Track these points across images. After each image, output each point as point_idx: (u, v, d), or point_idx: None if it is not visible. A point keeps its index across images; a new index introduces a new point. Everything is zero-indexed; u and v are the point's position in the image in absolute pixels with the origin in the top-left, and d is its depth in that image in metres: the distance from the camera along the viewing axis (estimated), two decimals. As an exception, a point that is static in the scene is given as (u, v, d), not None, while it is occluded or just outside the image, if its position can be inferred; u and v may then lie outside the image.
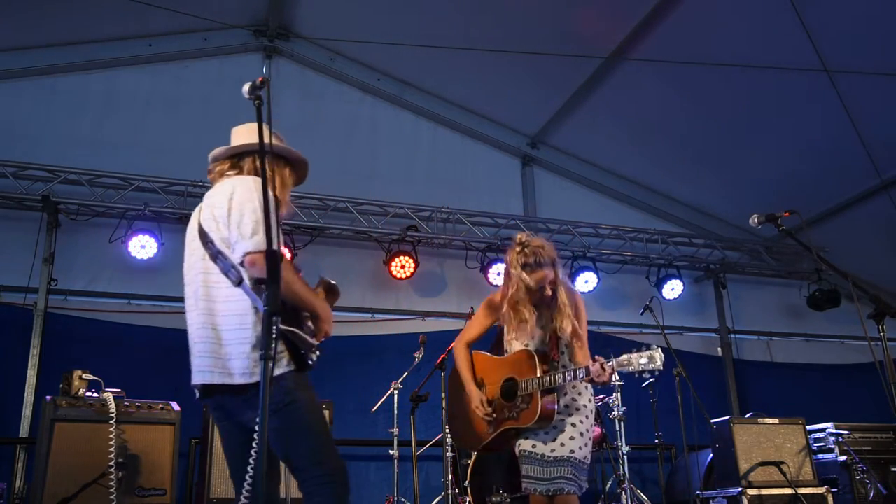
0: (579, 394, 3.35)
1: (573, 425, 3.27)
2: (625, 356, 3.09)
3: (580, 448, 3.24)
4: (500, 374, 3.44)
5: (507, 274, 3.47)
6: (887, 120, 6.60)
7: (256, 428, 2.29)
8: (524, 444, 3.32)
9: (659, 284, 7.74)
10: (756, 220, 3.29)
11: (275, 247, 2.19)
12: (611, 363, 3.07)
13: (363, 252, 7.29)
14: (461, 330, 3.75)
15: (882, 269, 8.42)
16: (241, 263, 2.46)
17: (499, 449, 3.55)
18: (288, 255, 6.51)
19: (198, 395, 2.63)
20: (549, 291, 3.37)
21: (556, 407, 3.24)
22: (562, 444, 3.23)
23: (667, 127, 7.49)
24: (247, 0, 7.17)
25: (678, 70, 6.52)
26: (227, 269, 2.51)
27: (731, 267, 8.33)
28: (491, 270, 7.20)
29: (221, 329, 2.51)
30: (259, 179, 2.61)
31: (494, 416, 3.39)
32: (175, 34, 7.10)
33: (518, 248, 3.40)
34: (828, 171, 7.45)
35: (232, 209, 2.53)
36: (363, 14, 6.94)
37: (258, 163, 2.71)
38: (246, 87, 2.28)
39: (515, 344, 3.45)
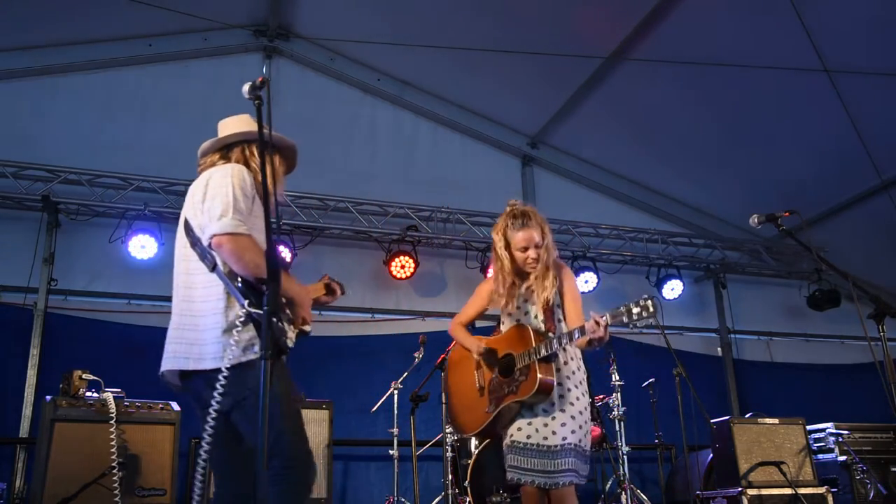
0: (573, 382, 3.29)
1: (563, 410, 3.21)
2: (619, 308, 3.02)
3: (573, 432, 3.17)
4: (497, 350, 3.42)
5: (494, 251, 3.44)
6: (887, 120, 6.60)
7: (213, 406, 2.34)
8: (517, 435, 3.24)
9: (659, 284, 7.74)
10: (756, 220, 3.29)
11: (274, 247, 2.19)
12: (604, 317, 3.01)
13: (363, 252, 7.29)
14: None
15: (882, 269, 8.42)
16: (210, 246, 2.46)
17: (497, 433, 3.47)
18: (287, 255, 6.51)
19: (166, 381, 2.62)
20: (534, 255, 3.33)
21: (554, 378, 3.19)
22: (553, 433, 3.17)
23: (667, 127, 7.49)
24: (247, 0, 7.17)
25: (678, 70, 6.52)
26: (204, 254, 2.52)
27: (731, 267, 8.34)
28: (491, 270, 7.18)
29: (198, 315, 2.53)
30: (241, 167, 2.65)
31: (494, 393, 3.35)
32: (175, 34, 7.10)
33: (507, 210, 3.41)
34: (828, 171, 7.45)
35: (206, 194, 2.55)
36: (363, 14, 6.94)
37: (247, 152, 2.75)
38: (246, 87, 2.29)
39: (508, 321, 3.44)
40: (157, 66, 7.13)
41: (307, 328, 2.68)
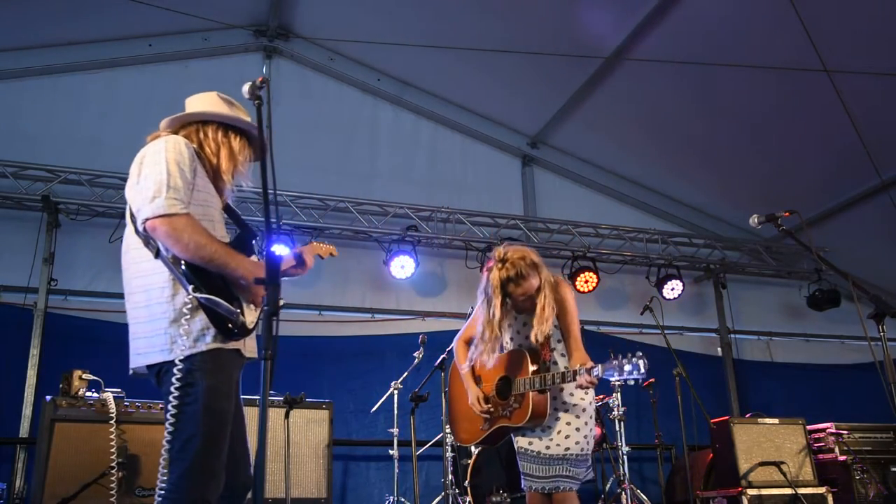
0: (571, 394, 3.34)
1: (568, 423, 3.28)
2: (613, 362, 3.07)
3: (576, 443, 3.25)
4: (496, 371, 3.47)
5: (485, 294, 3.36)
6: (887, 120, 6.60)
7: (170, 402, 2.21)
8: (521, 441, 3.36)
9: (659, 284, 7.74)
10: (756, 220, 3.29)
11: (272, 246, 2.12)
12: (596, 371, 3.05)
13: (363, 252, 7.29)
14: (461, 330, 3.76)
15: (882, 269, 8.42)
16: (146, 231, 2.28)
17: (494, 444, 3.61)
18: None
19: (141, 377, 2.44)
20: (534, 299, 3.31)
21: (547, 406, 3.27)
22: (557, 444, 3.25)
23: (667, 127, 7.49)
24: (247, 0, 7.17)
25: (678, 70, 6.52)
26: (148, 240, 2.34)
27: (731, 267, 8.34)
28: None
29: (144, 306, 2.34)
30: (177, 138, 2.44)
31: (491, 413, 3.42)
32: (175, 34, 7.10)
33: (499, 266, 3.30)
34: (828, 171, 7.45)
35: (140, 174, 2.36)
36: (363, 14, 6.94)
37: (201, 133, 2.55)
38: (246, 87, 2.28)
39: (516, 340, 3.49)
40: (157, 66, 7.13)
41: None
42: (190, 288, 2.26)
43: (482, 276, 3.44)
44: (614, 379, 3.10)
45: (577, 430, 3.28)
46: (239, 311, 2.33)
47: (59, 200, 6.22)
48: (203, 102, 2.63)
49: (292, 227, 6.76)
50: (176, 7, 6.52)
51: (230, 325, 2.30)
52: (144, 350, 2.34)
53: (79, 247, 6.42)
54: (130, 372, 2.41)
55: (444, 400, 4.32)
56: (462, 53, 6.83)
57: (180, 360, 2.24)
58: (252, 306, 2.43)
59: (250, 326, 2.38)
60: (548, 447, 3.26)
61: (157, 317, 2.31)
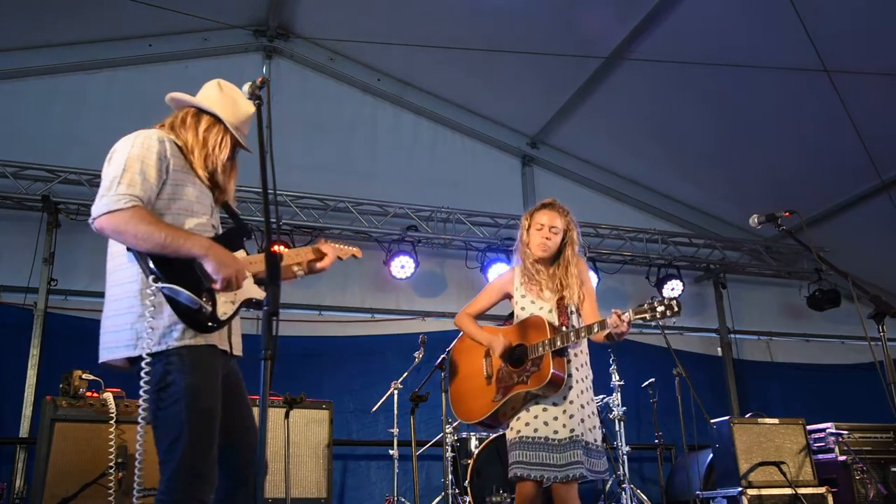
0: (578, 375, 3.30)
1: (571, 402, 3.22)
2: (643, 305, 3.10)
3: (580, 423, 3.17)
4: (508, 341, 3.41)
5: (520, 239, 3.52)
6: (887, 120, 6.60)
7: (141, 398, 2.18)
8: (524, 430, 3.21)
9: (659, 284, 7.74)
10: (756, 220, 3.30)
11: (273, 245, 2.10)
12: (626, 313, 3.08)
13: (363, 252, 7.25)
14: (461, 331, 3.75)
15: (882, 269, 8.41)
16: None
17: (499, 424, 3.46)
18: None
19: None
20: (547, 236, 3.41)
21: (564, 375, 3.19)
22: (563, 425, 3.16)
23: (667, 127, 7.49)
24: (247, 0, 7.17)
25: (678, 70, 6.52)
26: None
27: (731, 267, 8.34)
28: (491, 270, 7.19)
29: (115, 300, 2.32)
30: (149, 132, 2.44)
31: (502, 382, 3.34)
32: (175, 34, 7.10)
33: (539, 203, 3.54)
34: (828, 171, 7.45)
35: (103, 171, 2.36)
36: (363, 14, 6.94)
37: (178, 117, 2.57)
38: (246, 88, 2.28)
39: (528, 309, 3.42)
40: (157, 66, 7.13)
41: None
42: (150, 278, 2.21)
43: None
44: (648, 318, 3.08)
45: (581, 407, 3.20)
46: (206, 300, 2.25)
47: (59, 200, 6.22)
48: (204, 94, 2.64)
49: (292, 227, 6.76)
50: (176, 7, 6.52)
51: (200, 317, 2.24)
52: (111, 345, 2.30)
53: (79, 247, 6.41)
54: (100, 361, 2.37)
55: (443, 399, 4.31)
56: (462, 53, 6.83)
57: (148, 355, 2.19)
58: (228, 298, 2.34)
59: (222, 317, 2.30)
60: (556, 431, 3.14)
61: (124, 311, 2.28)
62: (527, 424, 3.23)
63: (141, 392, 2.19)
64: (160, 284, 2.20)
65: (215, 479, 2.26)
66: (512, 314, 3.63)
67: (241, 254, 2.47)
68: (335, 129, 7.57)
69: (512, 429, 3.30)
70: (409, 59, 7.33)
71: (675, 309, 3.02)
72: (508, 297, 3.58)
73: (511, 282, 3.53)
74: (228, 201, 2.66)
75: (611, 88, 7.13)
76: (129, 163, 2.31)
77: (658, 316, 3.05)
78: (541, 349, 3.22)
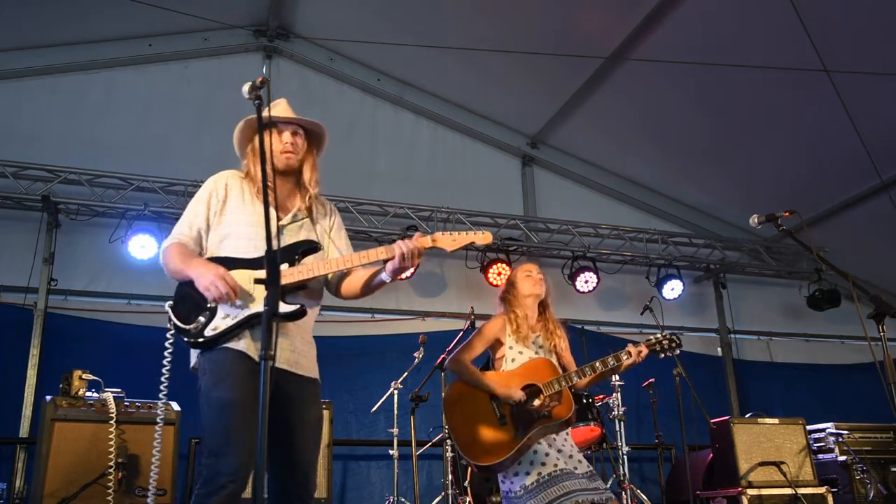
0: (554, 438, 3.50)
1: (572, 444, 3.55)
2: (651, 339, 3.61)
3: (580, 461, 3.47)
4: (515, 384, 3.49)
5: (509, 292, 3.78)
6: (887, 120, 6.60)
7: None
8: (544, 469, 3.32)
9: (659, 284, 7.73)
10: (756, 220, 3.29)
11: (274, 247, 2.15)
12: (639, 347, 3.52)
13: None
14: (461, 330, 3.80)
15: (882, 269, 8.42)
16: None
17: (511, 465, 3.42)
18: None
19: None
20: (538, 277, 3.73)
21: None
22: (580, 461, 3.44)
23: (667, 127, 7.48)
24: (247, 0, 7.17)
25: (678, 70, 6.52)
26: None
27: (731, 267, 8.33)
28: (491, 270, 7.19)
29: None
30: (213, 178, 2.80)
31: (520, 420, 3.40)
32: (175, 34, 7.10)
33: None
34: (828, 171, 7.44)
35: None
36: (363, 14, 6.94)
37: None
38: (246, 87, 2.29)
39: (526, 353, 3.58)
40: (157, 66, 7.13)
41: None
42: (167, 305, 2.63)
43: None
44: (657, 349, 3.63)
45: (574, 447, 3.56)
46: (198, 318, 2.55)
47: (59, 200, 6.22)
48: (240, 128, 2.97)
49: (292, 227, 6.75)
50: (176, 7, 6.52)
51: (185, 334, 2.58)
52: None
53: (79, 247, 6.42)
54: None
55: (443, 400, 4.31)
56: (462, 53, 6.83)
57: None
58: (231, 313, 2.55)
59: (211, 332, 2.54)
60: (580, 461, 3.43)
61: None
62: (543, 464, 3.34)
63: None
64: (167, 304, 2.62)
65: (234, 459, 2.43)
66: (487, 363, 3.75)
67: (283, 267, 2.59)
68: (335, 129, 7.47)
69: (529, 474, 3.33)
70: (409, 59, 7.32)
71: (677, 341, 3.61)
72: (499, 343, 3.67)
73: (503, 329, 3.68)
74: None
75: (611, 88, 7.13)
76: (188, 208, 2.80)
77: (666, 349, 3.60)
78: (556, 385, 3.41)
